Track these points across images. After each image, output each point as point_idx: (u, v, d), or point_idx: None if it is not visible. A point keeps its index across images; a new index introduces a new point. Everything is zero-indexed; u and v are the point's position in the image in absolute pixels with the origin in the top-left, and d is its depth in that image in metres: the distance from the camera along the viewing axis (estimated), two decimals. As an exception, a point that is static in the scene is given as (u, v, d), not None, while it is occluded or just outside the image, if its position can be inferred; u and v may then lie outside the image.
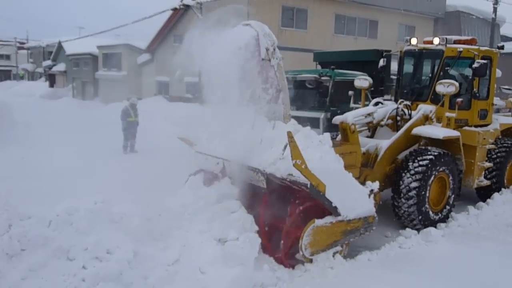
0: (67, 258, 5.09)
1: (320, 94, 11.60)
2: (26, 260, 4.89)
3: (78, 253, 5.11)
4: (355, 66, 12.49)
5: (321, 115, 11.05)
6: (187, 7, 22.30)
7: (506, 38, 30.64)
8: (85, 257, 5.07)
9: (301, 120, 9.84)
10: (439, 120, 8.61)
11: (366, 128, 9.00)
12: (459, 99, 8.39)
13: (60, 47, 42.19)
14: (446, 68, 8.90)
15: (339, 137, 8.25)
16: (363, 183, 6.78)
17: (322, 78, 11.55)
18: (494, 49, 9.58)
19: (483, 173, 9.22)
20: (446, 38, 8.92)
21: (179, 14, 25.21)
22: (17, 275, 4.75)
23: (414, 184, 7.65)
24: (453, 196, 8.27)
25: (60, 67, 43.07)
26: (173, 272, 5.24)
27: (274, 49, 6.67)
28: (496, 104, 10.07)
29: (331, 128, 9.84)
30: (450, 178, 8.16)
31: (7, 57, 67.44)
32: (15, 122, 15.71)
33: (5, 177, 9.68)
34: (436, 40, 9.00)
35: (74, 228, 5.38)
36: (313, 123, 10.72)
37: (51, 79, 46.66)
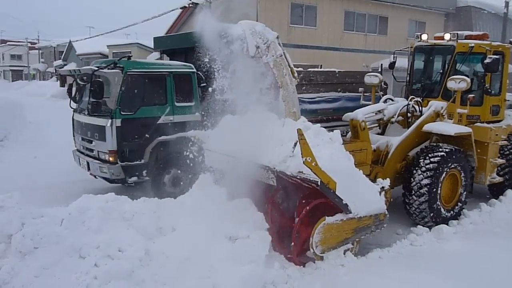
0: (79, 256, 5.13)
1: (100, 93, 8.01)
2: (39, 258, 4.94)
3: (90, 251, 5.15)
4: (188, 53, 9.31)
5: (107, 123, 7.96)
6: (196, 5, 22.33)
7: (518, 33, 30.25)
8: (97, 255, 5.10)
9: (86, 128, 8.65)
10: (450, 116, 8.54)
11: (377, 125, 8.96)
12: (470, 95, 8.32)
13: (70, 46, 42.55)
14: (457, 64, 8.82)
15: (349, 134, 8.24)
16: (374, 180, 6.75)
17: (106, 71, 8.19)
18: (506, 44, 9.47)
19: (496, 169, 9.12)
20: (457, 34, 8.85)
21: (188, 12, 25.23)
22: (30, 273, 4.80)
23: (425, 181, 7.60)
24: (465, 193, 8.20)
25: (71, 66, 43.35)
26: (184, 269, 5.25)
27: (268, 46, 6.67)
28: (508, 100, 9.96)
29: (127, 138, 8.02)
30: (462, 175, 8.09)
31: (19, 57, 68.19)
32: (27, 122, 15.87)
33: (18, 176, 9.79)
34: (447, 36, 8.93)
35: (86, 226, 5.43)
36: (98, 133, 8.20)
37: (62, 79, 46.97)
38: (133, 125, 8.09)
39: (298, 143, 5.34)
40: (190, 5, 22.81)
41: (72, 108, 9.10)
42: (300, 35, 22.63)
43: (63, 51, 46.13)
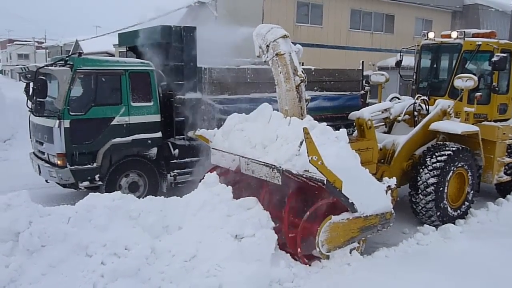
0: (86, 254, 5.16)
1: (43, 91, 7.68)
2: (46, 256, 4.96)
3: (97, 249, 5.17)
4: (151, 49, 8.89)
5: (54, 124, 7.54)
6: (202, 4, 22.34)
7: (526, 31, 30.00)
8: (103, 253, 5.13)
9: (37, 130, 8.26)
10: (457, 115, 8.51)
11: (383, 123, 8.94)
12: (478, 94, 8.28)
13: (77, 46, 42.63)
14: (464, 62, 8.78)
15: (355, 133, 8.22)
16: (380, 179, 6.73)
17: (54, 68, 7.80)
18: (514, 42, 9.41)
19: (503, 168, 9.06)
20: (464, 32, 8.82)
21: (194, 11, 25.26)
22: (37, 270, 4.83)
23: (432, 180, 7.57)
24: (472, 192, 8.16)
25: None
26: (190, 268, 5.27)
27: (268, 46, 6.78)
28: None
29: (76, 140, 7.60)
30: (469, 173, 8.05)
31: (26, 56, 68.48)
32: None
33: (26, 174, 9.84)
34: (454, 34, 8.89)
35: (93, 225, 5.45)
36: (47, 134, 7.82)
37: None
38: (83, 127, 7.62)
39: (304, 141, 5.34)
40: (196, 3, 22.81)
41: (28, 108, 8.53)
42: (306, 34, 22.59)
43: (70, 51, 46.29)
